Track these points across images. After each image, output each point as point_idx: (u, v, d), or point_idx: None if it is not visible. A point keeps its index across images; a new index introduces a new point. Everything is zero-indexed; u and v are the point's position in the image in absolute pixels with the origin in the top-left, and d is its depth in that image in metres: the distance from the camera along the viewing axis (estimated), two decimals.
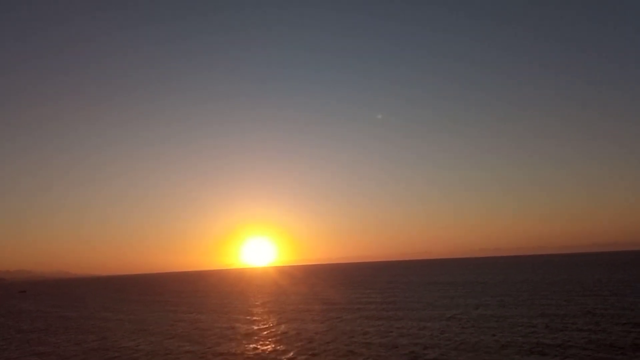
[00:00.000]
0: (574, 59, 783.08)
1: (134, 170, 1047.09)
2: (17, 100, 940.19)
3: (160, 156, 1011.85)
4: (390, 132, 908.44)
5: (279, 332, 34.08)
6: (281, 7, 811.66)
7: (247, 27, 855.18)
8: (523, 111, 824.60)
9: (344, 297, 61.97)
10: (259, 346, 28.93)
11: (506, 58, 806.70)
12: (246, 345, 29.31)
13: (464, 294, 56.86)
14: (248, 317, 44.74)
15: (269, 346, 28.77)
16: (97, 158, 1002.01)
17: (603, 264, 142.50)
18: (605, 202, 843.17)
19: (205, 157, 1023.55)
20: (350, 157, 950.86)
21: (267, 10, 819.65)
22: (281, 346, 28.54)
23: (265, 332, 34.47)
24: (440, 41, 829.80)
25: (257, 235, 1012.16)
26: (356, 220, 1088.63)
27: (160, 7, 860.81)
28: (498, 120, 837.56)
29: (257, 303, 61.36)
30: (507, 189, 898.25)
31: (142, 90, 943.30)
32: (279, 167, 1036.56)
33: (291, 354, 26.13)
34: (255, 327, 37.42)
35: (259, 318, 43.76)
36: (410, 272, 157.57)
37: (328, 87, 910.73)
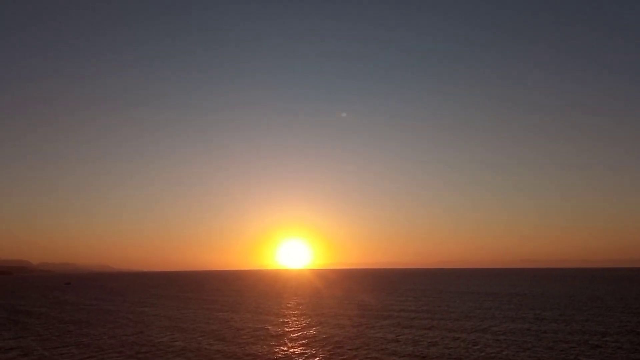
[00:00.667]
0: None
1: (177, 171, 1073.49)
2: (60, 99, 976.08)
3: (200, 159, 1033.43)
4: (433, 139, 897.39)
5: (309, 335, 34.22)
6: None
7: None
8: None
9: (378, 303, 61.61)
10: (288, 348, 29.16)
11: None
12: (275, 347, 29.58)
13: (500, 306, 55.59)
14: (281, 319, 45.09)
15: (297, 349, 28.95)
16: (144, 157, 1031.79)
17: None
18: None
19: (245, 160, 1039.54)
20: (388, 163, 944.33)
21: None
22: (310, 349, 28.68)
23: (296, 335, 34.69)
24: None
25: (294, 237, 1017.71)
26: (393, 225, 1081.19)
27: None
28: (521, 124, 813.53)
29: (291, 305, 61.74)
30: (551, 199, 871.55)
31: (187, 97, 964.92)
32: (317, 171, 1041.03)
33: (318, 358, 26.22)
34: (287, 329, 37.70)
35: (292, 320, 44.04)
36: (446, 280, 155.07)
37: (368, 92, 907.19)
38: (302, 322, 41.99)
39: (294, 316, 47.49)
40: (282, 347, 29.46)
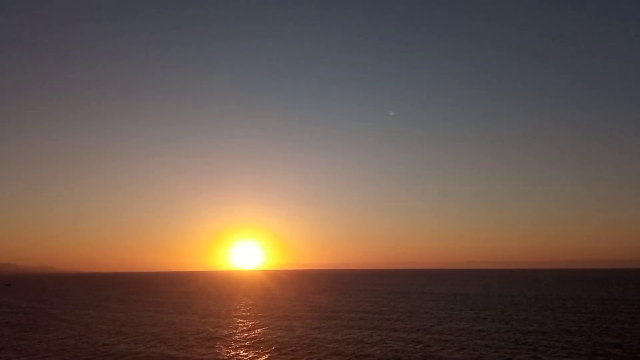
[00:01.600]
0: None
1: (123, 170, 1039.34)
2: (16, 98, 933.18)
3: (150, 157, 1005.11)
4: (380, 140, 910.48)
5: (255, 337, 34.31)
6: (284, 4, 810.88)
7: (246, 25, 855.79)
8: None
9: (328, 303, 62.19)
10: (231, 350, 29.18)
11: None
12: (219, 349, 29.52)
13: (445, 306, 57.29)
14: (229, 320, 44.90)
15: (241, 350, 29.02)
16: (87, 156, 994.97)
17: (594, 281, 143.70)
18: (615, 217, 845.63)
19: (195, 160, 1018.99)
20: (339, 163, 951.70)
21: (269, 7, 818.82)
22: (253, 350, 28.82)
23: (241, 336, 34.68)
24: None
25: (245, 239, 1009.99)
26: (344, 227, 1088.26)
27: (158, 10, 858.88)
28: (497, 124, 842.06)
29: (241, 306, 61.45)
30: (496, 201, 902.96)
31: (135, 92, 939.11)
32: (269, 172, 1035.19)
33: (260, 359, 26.41)
34: (234, 331, 37.61)
35: (240, 321, 43.93)
36: (397, 281, 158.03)
37: (316, 90, 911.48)
38: (250, 324, 41.99)
39: (242, 318, 47.37)
40: (225, 349, 29.45)
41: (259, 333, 36.09)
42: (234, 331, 37.44)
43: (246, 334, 35.63)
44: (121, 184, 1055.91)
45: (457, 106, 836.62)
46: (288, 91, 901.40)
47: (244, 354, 27.94)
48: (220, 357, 27.00)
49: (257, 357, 26.82)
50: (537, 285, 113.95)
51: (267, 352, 28.17)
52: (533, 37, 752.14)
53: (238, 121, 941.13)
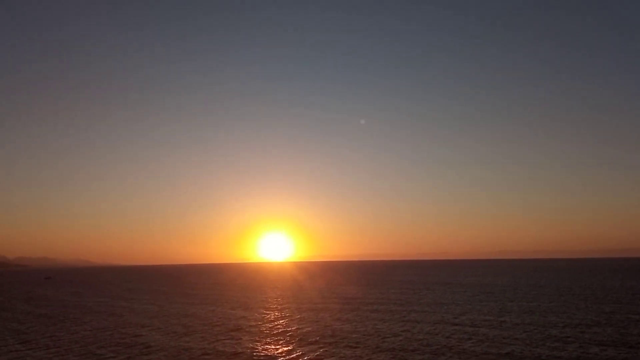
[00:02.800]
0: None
1: (157, 164, 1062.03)
2: (41, 93, 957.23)
3: (181, 152, 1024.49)
4: (408, 132, 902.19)
5: (284, 328, 34.93)
6: (287, 8, 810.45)
7: (263, 26, 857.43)
8: (531, 110, 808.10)
9: (355, 294, 62.57)
10: (261, 343, 29.82)
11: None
12: (245, 341, 30.22)
13: (470, 296, 56.96)
14: (259, 312, 45.71)
15: (271, 343, 29.64)
16: (124, 152, 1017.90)
17: (628, 270, 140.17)
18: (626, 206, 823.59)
19: (225, 154, 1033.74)
20: (369, 156, 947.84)
21: (277, 11, 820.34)
22: (283, 343, 29.40)
23: (267, 327, 35.37)
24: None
25: (275, 231, 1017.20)
26: (373, 218, 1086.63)
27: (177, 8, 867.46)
28: (513, 120, 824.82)
29: (270, 298, 62.38)
30: (528, 191, 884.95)
31: (165, 91, 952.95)
32: (298, 164, 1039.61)
33: (290, 351, 26.98)
34: (263, 323, 38.33)
35: (269, 313, 44.69)
36: (425, 272, 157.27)
37: (343, 85, 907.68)
38: (277, 315, 42.70)
39: (270, 309, 48.14)
40: (253, 341, 30.11)
41: (285, 324, 36.72)
42: (262, 322, 38.17)
43: (273, 325, 36.31)
44: (151, 179, 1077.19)
45: (489, 98, 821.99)
46: (315, 85, 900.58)
47: (270, 345, 28.57)
48: (248, 348, 27.69)
49: (282, 348, 27.41)
50: (568, 275, 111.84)
51: (292, 343, 28.73)
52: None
53: (266, 115, 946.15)
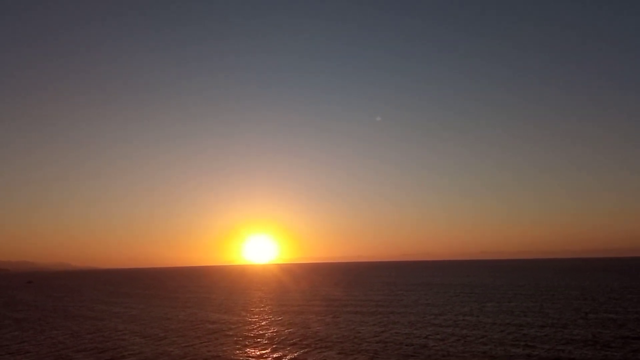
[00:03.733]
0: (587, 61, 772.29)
1: (137, 167, 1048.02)
2: (21, 98, 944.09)
3: (164, 154, 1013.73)
4: (392, 134, 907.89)
5: (265, 332, 35.06)
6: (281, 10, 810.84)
7: (246, 29, 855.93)
8: (527, 113, 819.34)
9: (338, 296, 62.89)
10: (241, 346, 29.93)
11: (513, 58, 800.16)
12: (229, 345, 30.30)
13: (450, 296, 57.65)
14: (241, 315, 45.72)
15: (251, 346, 29.75)
16: (100, 155, 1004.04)
17: (607, 270, 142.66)
18: (609, 207, 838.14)
19: (208, 156, 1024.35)
20: (352, 157, 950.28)
21: (267, 11, 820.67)
22: (262, 346, 29.53)
23: (253, 331, 35.45)
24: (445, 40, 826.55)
25: (259, 233, 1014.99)
26: (357, 219, 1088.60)
27: (164, 10, 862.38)
28: (500, 122, 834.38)
29: (255, 300, 62.38)
30: (508, 192, 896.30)
31: (145, 91, 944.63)
32: (281, 166, 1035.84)
33: (272, 355, 27.13)
34: (246, 326, 38.38)
35: (253, 316, 44.74)
36: (409, 272, 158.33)
37: (329, 88, 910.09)
38: (262, 318, 42.76)
39: (254, 312, 48.16)
40: (237, 345, 30.19)
41: (267, 326, 36.85)
42: (243, 325, 38.24)
43: (254, 328, 36.41)
44: (134, 181, 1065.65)
45: (466, 99, 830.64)
46: (298, 87, 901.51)
47: (250, 347, 28.69)
48: (227, 351, 27.76)
49: (261, 351, 27.56)
50: (548, 275, 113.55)
51: (272, 345, 28.90)
52: (530, 31, 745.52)
53: (250, 117, 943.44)
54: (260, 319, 41.26)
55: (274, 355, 25.87)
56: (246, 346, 28.86)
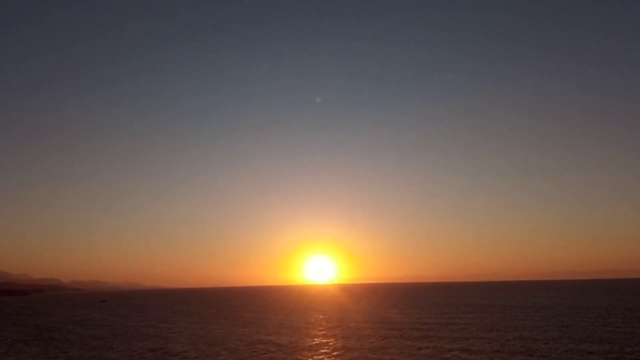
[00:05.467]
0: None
1: (202, 189, 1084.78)
2: (91, 101, 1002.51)
3: (231, 176, 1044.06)
4: (458, 152, 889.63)
5: (326, 350, 34.42)
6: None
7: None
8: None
9: (398, 317, 61.24)
10: None
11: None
12: None
13: (529, 319, 54.65)
14: (300, 335, 45.34)
15: None
16: (170, 176, 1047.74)
17: None
18: None
19: (270, 177, 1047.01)
20: (413, 174, 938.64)
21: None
22: None
23: (313, 349, 34.91)
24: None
25: (319, 253, 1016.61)
26: (419, 239, 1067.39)
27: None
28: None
29: (315, 320, 61.85)
30: (582, 209, 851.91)
31: (215, 110, 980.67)
32: (341, 186, 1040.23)
33: None
34: (306, 344, 37.93)
35: (312, 335, 44.25)
36: (472, 293, 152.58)
37: (384, 108, 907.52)
38: (320, 340, 42.16)
39: (313, 333, 47.60)
40: None
41: (326, 348, 36.19)
42: (305, 345, 37.77)
43: (314, 349, 35.84)
44: (199, 204, 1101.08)
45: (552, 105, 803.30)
46: (369, 106, 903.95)
47: None
48: None
49: None
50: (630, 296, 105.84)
51: None
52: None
53: (312, 139, 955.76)
54: (319, 342, 40.58)
55: None
56: None
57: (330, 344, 37.93)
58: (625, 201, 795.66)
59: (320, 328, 51.04)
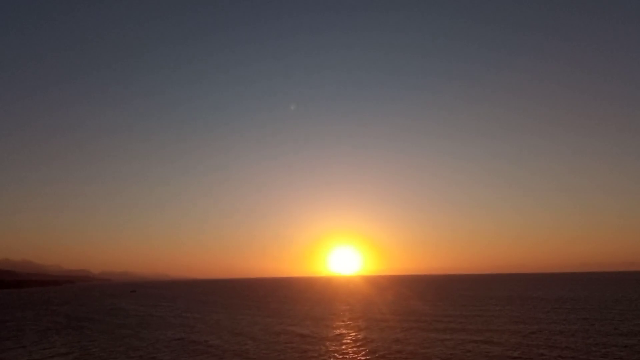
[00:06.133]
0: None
1: (229, 182, 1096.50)
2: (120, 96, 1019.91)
3: (256, 168, 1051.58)
4: (484, 137, 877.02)
5: (349, 340, 34.59)
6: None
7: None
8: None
9: (423, 309, 61.04)
10: (321, 355, 29.63)
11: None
12: (311, 353, 30.11)
13: (555, 311, 53.89)
14: (326, 324, 45.63)
15: (333, 354, 29.38)
16: (197, 169, 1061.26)
17: None
18: None
19: (295, 168, 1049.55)
20: (438, 165, 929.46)
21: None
22: (346, 353, 29.06)
23: (336, 340, 35.11)
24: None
25: (344, 244, 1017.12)
26: (445, 230, 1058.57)
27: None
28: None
29: (339, 310, 62.14)
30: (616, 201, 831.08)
31: (236, 104, 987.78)
32: (366, 177, 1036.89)
33: None
34: (329, 334, 38.17)
35: (336, 325, 44.48)
36: (499, 286, 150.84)
37: (418, 92, 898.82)
38: (346, 331, 42.34)
39: (338, 324, 47.77)
40: (318, 353, 29.97)
41: (354, 336, 36.35)
42: (327, 339, 38.00)
43: (338, 343, 36.02)
44: (229, 196, 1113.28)
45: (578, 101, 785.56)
46: (394, 97, 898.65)
47: (337, 356, 28.32)
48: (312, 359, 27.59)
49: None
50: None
51: (360, 355, 28.34)
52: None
53: (334, 128, 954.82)
54: (343, 333, 40.76)
55: None
56: (324, 355, 28.50)
57: (353, 334, 38.06)
58: None
59: (344, 319, 51.19)
